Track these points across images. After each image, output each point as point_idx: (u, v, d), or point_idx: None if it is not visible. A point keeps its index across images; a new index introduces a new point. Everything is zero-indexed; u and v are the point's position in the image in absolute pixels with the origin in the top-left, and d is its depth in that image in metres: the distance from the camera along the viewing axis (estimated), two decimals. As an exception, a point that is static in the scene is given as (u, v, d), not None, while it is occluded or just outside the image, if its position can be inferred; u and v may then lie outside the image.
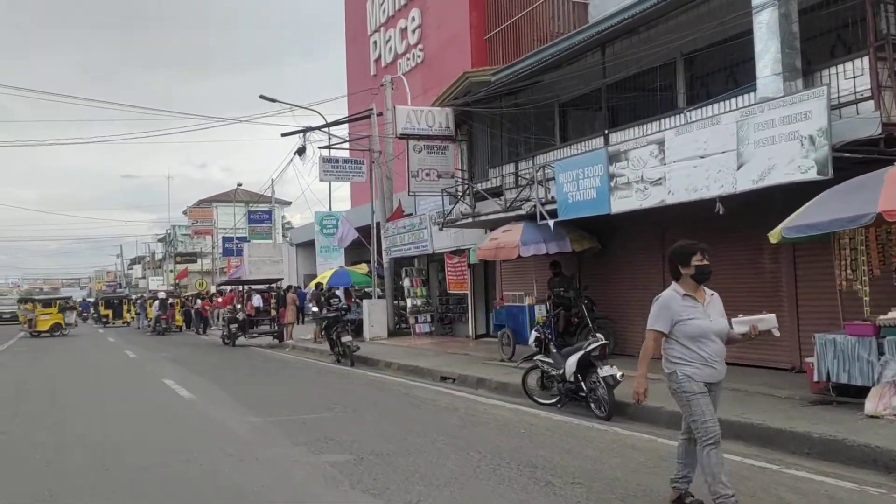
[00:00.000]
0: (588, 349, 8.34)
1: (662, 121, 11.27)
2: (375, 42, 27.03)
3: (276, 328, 22.81)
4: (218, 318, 31.28)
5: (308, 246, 32.93)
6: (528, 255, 12.52)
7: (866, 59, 8.25)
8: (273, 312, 23.89)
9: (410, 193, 17.63)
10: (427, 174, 17.05)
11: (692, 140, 9.44)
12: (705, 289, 4.61)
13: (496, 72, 14.85)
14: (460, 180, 17.00)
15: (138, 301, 41.06)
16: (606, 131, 12.37)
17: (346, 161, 22.58)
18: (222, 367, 16.08)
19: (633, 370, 8.50)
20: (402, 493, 5.26)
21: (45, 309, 31.98)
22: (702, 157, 9.26)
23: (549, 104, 14.46)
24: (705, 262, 4.52)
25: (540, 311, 12.81)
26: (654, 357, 4.61)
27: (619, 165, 10.71)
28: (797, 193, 8.26)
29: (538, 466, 5.87)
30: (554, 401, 8.89)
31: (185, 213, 68.93)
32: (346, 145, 24.21)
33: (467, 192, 15.75)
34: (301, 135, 23.07)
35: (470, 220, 15.05)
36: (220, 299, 33.79)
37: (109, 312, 42.70)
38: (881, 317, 7.17)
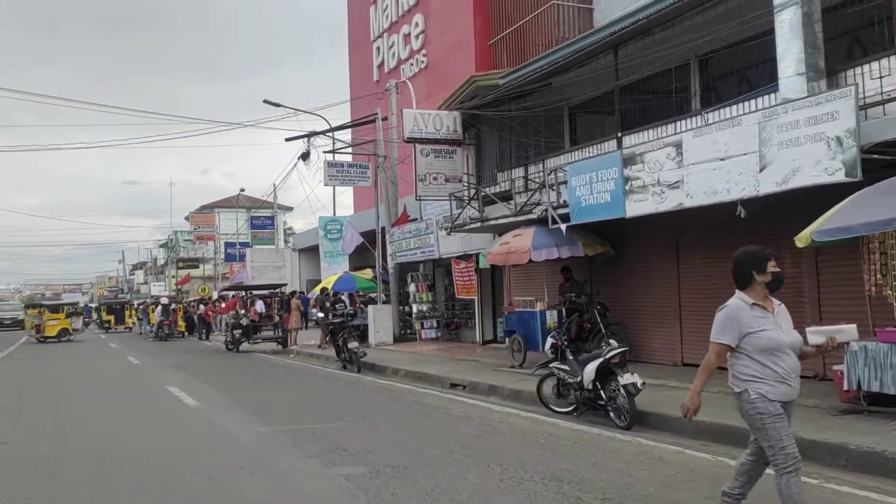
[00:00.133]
0: (608, 356, 8.09)
1: (678, 123, 11.06)
2: (378, 48, 26.85)
3: (280, 334, 22.58)
4: (221, 324, 31.04)
5: (311, 251, 32.71)
6: (540, 259, 12.28)
7: (893, 59, 8.04)
8: (276, 318, 23.67)
9: (418, 198, 17.40)
10: (434, 178, 16.82)
11: (711, 142, 9.20)
12: (773, 298, 4.23)
13: (505, 75, 14.63)
14: (468, 184, 16.77)
15: (140, 307, 40.84)
16: (620, 134, 12.14)
17: (350, 165, 22.36)
18: (227, 374, 15.82)
19: (647, 378, 8.35)
20: (423, 509, 5.01)
21: (53, 314, 31.94)
22: (722, 160, 9.02)
23: (559, 107, 14.25)
24: (778, 269, 4.18)
25: (551, 317, 12.58)
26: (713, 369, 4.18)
27: (634, 168, 10.48)
28: (816, 197, 8.03)
29: (564, 480, 5.60)
30: (570, 409, 8.64)
31: (187, 218, 68.71)
32: (350, 150, 24.00)
33: (475, 196, 15.53)
34: (305, 140, 22.87)
35: (479, 224, 14.82)
36: (223, 304, 33.55)
37: (111, 318, 42.50)
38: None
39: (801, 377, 4.05)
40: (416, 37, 23.95)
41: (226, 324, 26.51)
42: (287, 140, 23.67)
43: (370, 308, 20.05)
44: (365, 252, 22.54)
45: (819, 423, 6.81)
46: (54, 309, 32.88)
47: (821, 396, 7.99)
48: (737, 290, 4.22)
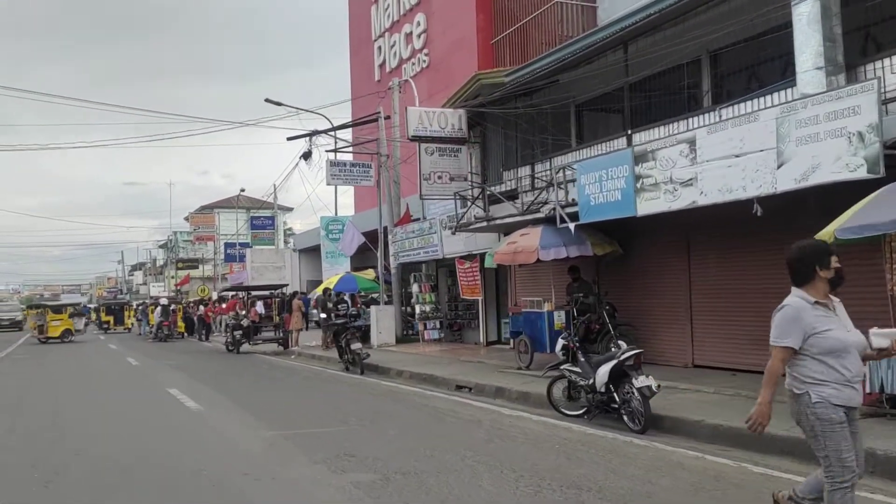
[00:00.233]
0: (622, 358, 7.86)
1: (690, 119, 10.85)
2: (380, 47, 26.64)
3: (281, 335, 22.35)
4: (221, 325, 30.81)
5: (311, 251, 32.48)
6: (549, 259, 12.06)
7: (915, 53, 7.83)
8: (276, 319, 23.44)
9: (422, 197, 17.18)
10: (439, 177, 16.60)
11: (726, 138, 8.97)
12: (831, 296, 3.93)
13: (510, 73, 14.43)
14: (473, 183, 16.55)
15: (140, 307, 40.60)
16: (630, 131, 11.92)
17: (353, 164, 22.15)
18: (228, 375, 15.59)
19: (657, 380, 8.11)
20: (438, 518, 4.79)
21: (56, 315, 31.80)
22: (737, 157, 8.79)
23: (566, 105, 14.04)
24: (840, 265, 3.88)
25: (559, 318, 12.36)
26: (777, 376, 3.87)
27: (645, 166, 10.25)
28: (832, 194, 7.82)
29: (583, 488, 5.38)
30: (581, 412, 8.40)
31: (186, 219, 68.44)
32: (352, 149, 23.79)
33: (481, 195, 15.31)
34: (307, 139, 22.66)
35: (484, 223, 14.60)
36: (223, 305, 33.33)
37: (110, 319, 42.28)
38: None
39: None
40: (418, 36, 23.75)
41: (226, 325, 26.28)
42: (289, 139, 23.50)
43: (372, 309, 19.82)
44: (367, 252, 22.33)
45: (843, 428, 6.58)
46: (57, 309, 32.77)
47: (841, 399, 7.76)
48: (793, 288, 3.91)
